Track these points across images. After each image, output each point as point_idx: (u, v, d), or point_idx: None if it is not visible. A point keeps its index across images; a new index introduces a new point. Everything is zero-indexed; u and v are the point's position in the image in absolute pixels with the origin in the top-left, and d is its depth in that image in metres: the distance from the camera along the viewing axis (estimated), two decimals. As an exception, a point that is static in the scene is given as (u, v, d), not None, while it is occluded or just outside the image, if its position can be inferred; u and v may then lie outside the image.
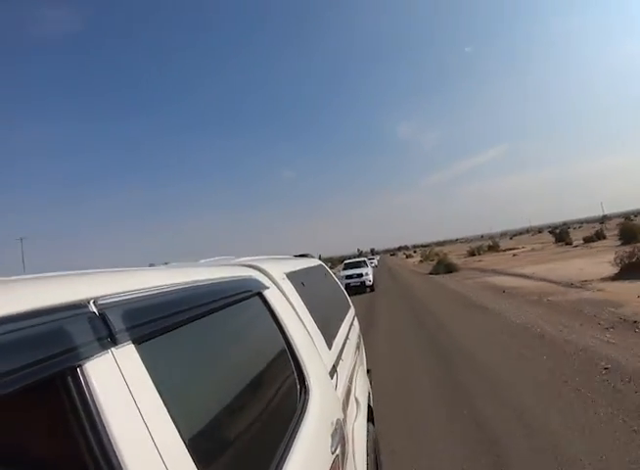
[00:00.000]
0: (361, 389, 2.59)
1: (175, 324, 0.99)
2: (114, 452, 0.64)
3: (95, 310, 0.74)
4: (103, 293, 0.80)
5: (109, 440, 0.64)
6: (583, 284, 11.44)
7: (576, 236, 35.97)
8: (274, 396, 1.44)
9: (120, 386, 0.71)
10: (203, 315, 1.15)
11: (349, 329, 3.26)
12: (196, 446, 0.82)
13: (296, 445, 1.26)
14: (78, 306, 0.72)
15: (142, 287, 0.94)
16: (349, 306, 4.03)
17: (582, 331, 6.78)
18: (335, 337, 2.47)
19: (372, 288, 19.74)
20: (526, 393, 4.62)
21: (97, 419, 0.64)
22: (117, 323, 0.76)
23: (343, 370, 2.29)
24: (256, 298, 1.64)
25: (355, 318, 4.11)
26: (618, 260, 12.14)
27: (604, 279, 11.69)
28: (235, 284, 1.50)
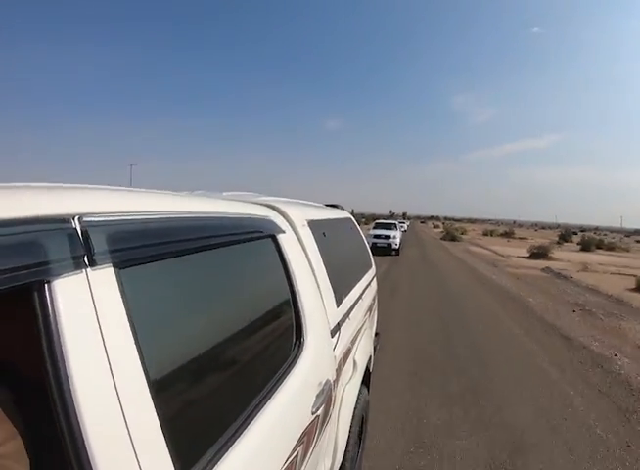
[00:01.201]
0: (362, 351, 2.59)
1: (169, 255, 0.96)
2: (68, 380, 0.63)
3: (78, 227, 0.71)
4: (91, 210, 0.76)
5: (64, 365, 0.63)
6: (507, 257, 22.57)
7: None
8: (265, 345, 1.43)
9: (89, 311, 0.69)
10: (203, 250, 1.12)
11: (365, 289, 3.23)
12: (161, 390, 0.81)
13: (275, 397, 1.26)
14: (59, 221, 0.69)
15: (138, 210, 0.90)
16: (370, 266, 3.98)
17: (483, 266, 17.07)
18: (346, 295, 2.44)
19: (397, 252, 20.11)
20: (457, 272, 15.09)
21: (55, 342, 0.63)
22: (100, 244, 0.73)
23: (347, 330, 2.28)
24: (269, 240, 1.60)
25: (374, 279, 4.08)
26: (529, 250, 23.96)
27: (519, 256, 22.78)
28: (247, 222, 1.46)
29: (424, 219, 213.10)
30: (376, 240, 20.16)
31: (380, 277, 5.81)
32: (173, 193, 1.15)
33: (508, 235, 48.54)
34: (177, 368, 0.93)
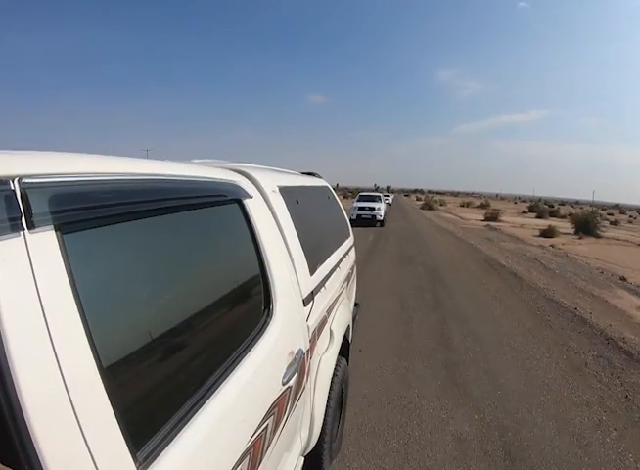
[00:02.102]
0: (339, 321, 2.62)
1: (122, 219, 0.94)
2: (5, 354, 0.61)
3: (17, 189, 0.68)
4: (33, 172, 0.73)
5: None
6: (467, 220, 30.10)
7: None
8: (229, 314, 1.42)
9: (26, 277, 0.67)
10: (159, 214, 1.10)
11: (342, 258, 3.24)
12: (110, 364, 0.80)
13: (240, 368, 1.27)
14: None
15: (86, 171, 0.87)
16: (349, 235, 3.99)
17: (445, 224, 25.09)
18: (321, 263, 2.45)
19: (382, 223, 20.58)
20: (426, 226, 23.51)
21: None
22: (40, 206, 0.71)
23: (323, 299, 2.30)
24: (235, 205, 1.58)
25: (353, 249, 4.09)
26: (484, 215, 32.75)
27: (477, 220, 30.73)
28: (210, 186, 1.43)
29: (407, 192, 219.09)
30: (360, 212, 20.58)
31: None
32: (128, 157, 1.11)
33: (483, 207, 53.86)
34: (129, 339, 0.91)
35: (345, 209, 5.48)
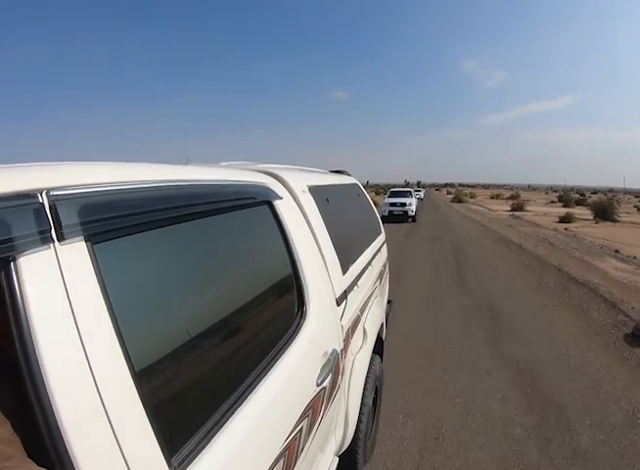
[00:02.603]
0: (373, 320, 2.59)
1: (152, 226, 0.95)
2: (38, 363, 0.62)
3: (45, 201, 0.69)
4: (61, 184, 0.74)
5: (33, 347, 0.62)
6: (494, 210, 31.86)
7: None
8: (262, 316, 1.42)
9: (58, 287, 0.68)
10: (189, 219, 1.10)
11: (374, 256, 3.21)
12: (144, 369, 0.80)
13: (274, 370, 1.26)
14: (24, 196, 0.67)
15: (113, 181, 0.87)
16: (380, 233, 3.94)
17: (472, 214, 26.92)
18: (353, 262, 2.42)
19: (414, 219, 20.50)
20: (455, 216, 26.16)
21: (23, 321, 0.62)
22: (69, 217, 0.72)
23: (356, 298, 2.28)
24: (265, 207, 1.57)
25: (384, 246, 4.04)
26: (510, 206, 35.38)
27: (503, 210, 32.32)
28: (239, 189, 1.43)
29: (438, 187, 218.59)
30: (392, 208, 20.61)
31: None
32: (155, 164, 1.12)
33: (513, 198, 54.22)
34: (162, 345, 0.92)
35: (378, 205, 10.94)
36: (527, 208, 34.72)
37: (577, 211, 30.53)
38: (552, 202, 48.28)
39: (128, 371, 0.76)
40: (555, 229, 18.15)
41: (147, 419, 0.77)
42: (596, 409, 3.34)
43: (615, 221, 24.44)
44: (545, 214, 27.47)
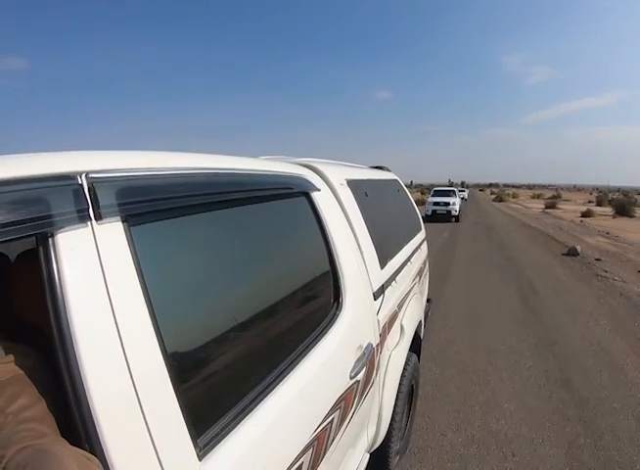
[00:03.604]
0: (411, 316, 2.55)
1: (188, 211, 0.97)
2: (71, 338, 0.65)
3: (84, 183, 0.73)
4: (99, 168, 0.77)
5: (67, 319, 0.65)
6: (530, 208, 37.50)
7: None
8: (297, 305, 1.43)
9: (94, 265, 0.70)
10: (226, 207, 1.12)
11: (413, 253, 3.16)
12: (175, 351, 0.82)
13: (307, 359, 1.27)
14: (65, 178, 0.71)
15: (152, 166, 0.90)
16: (420, 229, 3.87)
17: (510, 211, 32.10)
18: (392, 257, 2.40)
19: (457, 218, 20.40)
20: (494, 212, 30.70)
21: (59, 294, 0.65)
22: (107, 198, 0.75)
23: (393, 294, 2.25)
24: (302, 198, 1.58)
25: (424, 243, 3.98)
26: (543, 205, 39.75)
27: (538, 208, 36.97)
28: (276, 179, 1.44)
29: (482, 187, 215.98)
30: (435, 207, 20.62)
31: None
32: (190, 153, 1.14)
33: (554, 198, 57.37)
34: (194, 329, 0.94)
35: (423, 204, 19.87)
36: (560, 206, 39.19)
37: (606, 209, 34.16)
38: (589, 201, 48.93)
39: (160, 352, 0.77)
40: (571, 221, 22.28)
41: (176, 400, 0.78)
42: (539, 268, 9.00)
43: (631, 217, 27.87)
44: (574, 212, 29.75)
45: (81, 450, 0.64)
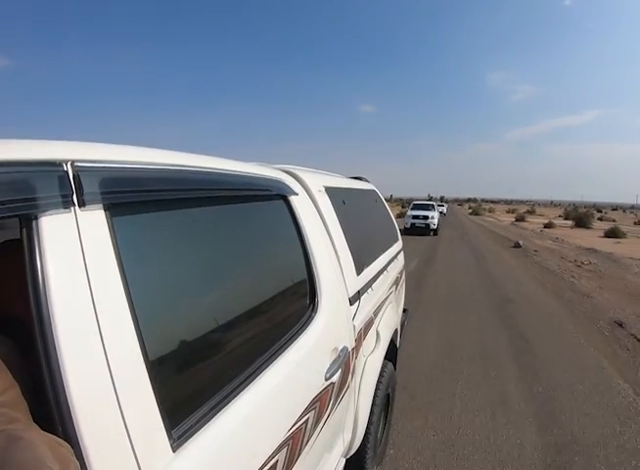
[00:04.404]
0: (386, 324, 2.59)
1: (168, 205, 1.00)
2: (50, 322, 0.66)
3: (70, 170, 0.75)
4: (85, 158, 0.80)
5: (47, 303, 0.66)
6: (501, 221, 43.54)
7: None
8: (273, 304, 1.45)
9: (75, 249, 0.72)
10: (206, 204, 1.16)
11: (390, 262, 3.21)
12: (152, 342, 0.83)
13: (283, 357, 1.29)
14: (51, 164, 0.73)
15: (136, 160, 0.93)
16: (397, 240, 3.94)
17: (482, 223, 37.16)
18: (368, 265, 2.44)
19: (435, 232, 20.90)
20: (469, 223, 35.38)
21: (40, 276, 0.67)
22: (90, 186, 0.77)
23: (369, 300, 2.29)
24: (280, 202, 1.62)
25: (401, 254, 4.04)
26: (514, 218, 47.13)
27: (509, 221, 42.81)
28: (256, 181, 1.47)
29: (461, 202, 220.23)
30: (414, 220, 20.96)
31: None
32: (173, 151, 1.17)
33: (527, 212, 64.03)
34: (172, 320, 0.96)
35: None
36: (529, 219, 46.39)
37: (569, 222, 40.37)
38: (559, 216, 54.81)
39: (137, 342, 0.79)
40: (532, 230, 27.98)
41: (152, 390, 0.79)
42: (492, 252, 15.00)
43: (588, 228, 34.04)
44: (539, 224, 35.67)
45: (53, 436, 0.65)
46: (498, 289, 8.45)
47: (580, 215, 38.63)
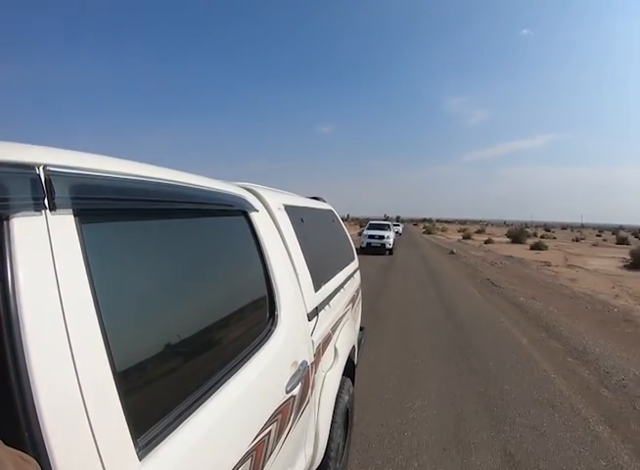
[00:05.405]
0: (344, 340, 2.63)
1: (134, 216, 1.03)
2: (18, 323, 0.66)
3: (42, 174, 0.76)
4: (57, 163, 0.81)
5: (15, 302, 0.67)
6: (448, 238, 50.80)
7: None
8: (234, 318, 1.46)
9: (45, 251, 0.74)
10: (171, 216, 1.19)
11: (347, 280, 3.28)
12: (118, 350, 0.84)
13: (245, 369, 1.31)
14: (24, 166, 0.75)
15: (107, 169, 0.95)
16: (353, 259, 4.03)
17: (433, 240, 45.10)
18: (326, 282, 2.49)
19: (391, 252, 21.24)
20: (422, 240, 43.32)
21: (9, 278, 0.67)
22: (61, 190, 0.79)
23: (327, 317, 2.33)
24: (241, 218, 1.66)
25: (357, 272, 4.13)
26: (462, 235, 53.91)
27: (457, 239, 48.73)
28: (218, 196, 1.50)
29: (416, 222, 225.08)
30: (370, 240, 21.29)
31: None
32: (140, 162, 1.19)
33: (477, 232, 69.90)
34: (136, 329, 0.97)
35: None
36: (474, 237, 51.77)
37: (508, 239, 45.65)
38: (505, 234, 57.68)
39: (104, 349, 0.80)
40: (473, 245, 35.01)
41: (118, 399, 0.80)
42: (433, 257, 22.11)
43: (522, 243, 38.80)
44: (481, 241, 42.30)
45: (17, 451, 0.63)
46: (432, 271, 15.21)
47: (517, 233, 45.33)
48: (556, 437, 3.47)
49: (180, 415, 1.00)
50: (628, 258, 21.70)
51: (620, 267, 20.31)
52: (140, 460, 0.83)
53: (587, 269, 18.79)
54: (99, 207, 0.89)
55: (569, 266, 19.78)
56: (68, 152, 0.90)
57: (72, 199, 0.81)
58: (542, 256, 25.70)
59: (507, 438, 3.42)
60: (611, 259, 24.42)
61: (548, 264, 19.82)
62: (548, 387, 4.52)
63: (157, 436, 0.90)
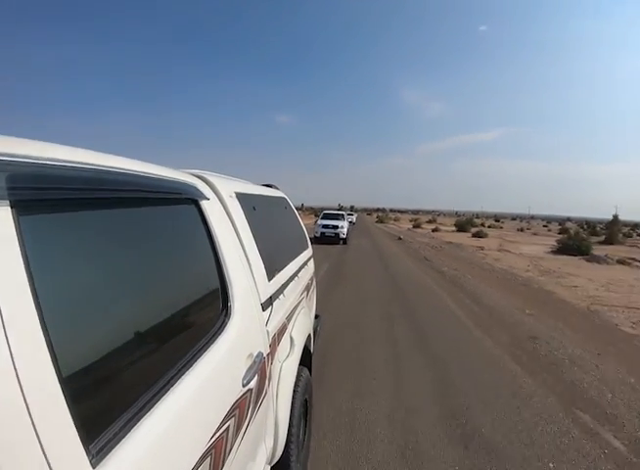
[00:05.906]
0: (299, 329, 2.63)
1: (78, 205, 0.95)
2: None
3: None
4: None
5: None
6: (400, 227, 53.94)
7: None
8: (185, 311, 1.40)
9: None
10: (117, 206, 1.12)
11: (300, 268, 3.28)
12: (62, 353, 0.78)
13: (198, 365, 1.27)
14: None
15: (41, 156, 0.87)
16: (307, 247, 4.03)
17: (385, 228, 49.00)
18: (279, 271, 2.47)
19: (345, 241, 21.48)
20: (374, 229, 46.49)
21: None
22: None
23: (282, 306, 2.32)
24: (192, 206, 1.60)
25: (311, 260, 4.13)
26: (413, 224, 61.42)
27: (408, 228, 53.28)
28: (167, 184, 1.43)
29: (370, 212, 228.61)
30: (324, 230, 21.40)
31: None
32: (80, 148, 1.11)
33: (428, 222, 75.76)
34: (82, 329, 0.91)
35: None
36: (424, 226, 57.82)
37: (454, 227, 50.88)
38: (454, 224, 61.76)
39: (48, 352, 0.74)
40: (422, 233, 39.25)
41: (65, 404, 0.75)
42: (383, 241, 25.90)
43: (466, 232, 43.42)
44: (430, 229, 48.08)
45: None
46: (381, 253, 18.30)
47: (463, 223, 51.08)
48: (442, 322, 6.86)
49: (134, 417, 0.95)
50: (556, 244, 24.85)
51: (547, 252, 23.59)
52: (94, 469, 0.78)
53: (514, 253, 22.18)
54: (39, 197, 0.81)
55: (500, 250, 23.25)
56: (5, 138, 0.82)
57: (9, 189, 0.73)
58: (481, 242, 29.68)
59: (419, 324, 6.70)
60: (542, 246, 27.53)
61: (482, 249, 23.49)
62: (445, 307, 8.05)
63: (110, 441, 0.85)
